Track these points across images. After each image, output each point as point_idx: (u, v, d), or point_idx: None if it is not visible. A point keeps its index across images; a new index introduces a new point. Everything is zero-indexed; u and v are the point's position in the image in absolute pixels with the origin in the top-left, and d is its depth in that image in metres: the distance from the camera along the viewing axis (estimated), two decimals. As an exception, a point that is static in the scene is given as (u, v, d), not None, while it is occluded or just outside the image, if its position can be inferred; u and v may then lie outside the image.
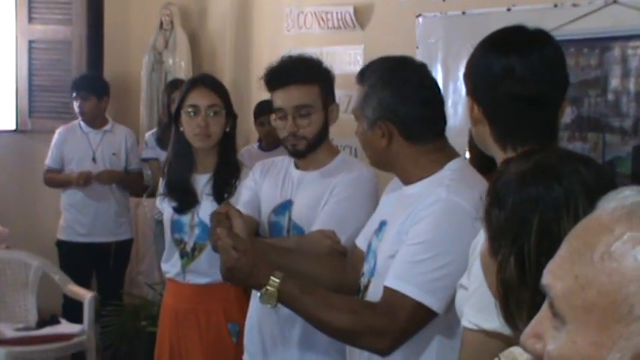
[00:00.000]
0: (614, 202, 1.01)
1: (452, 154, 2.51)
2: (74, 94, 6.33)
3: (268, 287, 2.37)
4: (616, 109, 4.23)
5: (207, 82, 3.65)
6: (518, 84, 2.03)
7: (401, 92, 2.45)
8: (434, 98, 2.52)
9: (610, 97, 4.26)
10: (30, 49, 7.27)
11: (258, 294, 2.42)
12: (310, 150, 3.08)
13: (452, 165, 2.45)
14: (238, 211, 2.74)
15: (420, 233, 2.32)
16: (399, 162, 2.49)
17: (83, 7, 7.15)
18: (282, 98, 3.07)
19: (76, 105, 6.34)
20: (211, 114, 3.53)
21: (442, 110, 2.54)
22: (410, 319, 2.30)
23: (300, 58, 3.12)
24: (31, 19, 7.25)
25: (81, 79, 6.54)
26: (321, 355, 3.00)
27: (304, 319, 2.45)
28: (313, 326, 2.47)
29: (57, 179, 6.35)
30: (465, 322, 1.88)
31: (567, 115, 4.31)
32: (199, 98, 3.54)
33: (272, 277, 2.37)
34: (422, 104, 2.47)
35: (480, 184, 2.43)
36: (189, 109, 3.53)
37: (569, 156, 1.61)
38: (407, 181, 2.51)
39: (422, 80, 2.53)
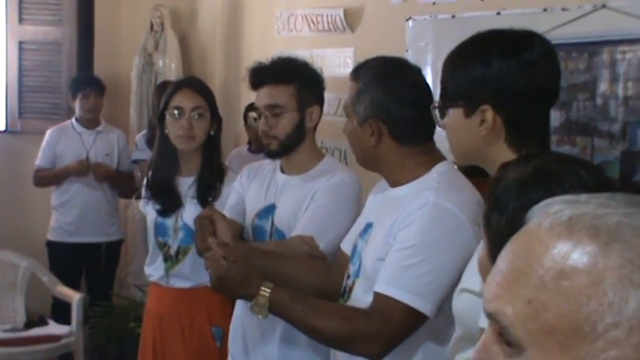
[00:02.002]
0: (549, 218, 0.98)
1: (439, 157, 2.51)
2: (77, 93, 6.32)
3: (259, 298, 2.38)
4: (604, 114, 4.24)
5: (192, 84, 3.64)
6: (542, 83, 2.04)
7: (395, 93, 2.47)
8: (426, 102, 2.52)
9: (599, 101, 4.26)
10: (20, 50, 7.26)
11: (249, 305, 2.42)
12: (284, 151, 3.08)
13: (438, 168, 2.46)
14: (222, 215, 2.75)
15: (409, 237, 2.32)
16: (386, 162, 2.49)
17: (74, 9, 7.15)
18: (258, 97, 3.10)
19: (78, 104, 6.34)
20: (195, 116, 3.52)
21: (432, 114, 2.54)
22: (402, 323, 2.31)
23: (280, 59, 3.13)
24: (21, 20, 7.24)
25: (84, 78, 6.58)
26: (301, 354, 3.01)
27: (296, 327, 2.45)
28: (306, 334, 2.48)
29: (49, 175, 6.31)
30: (482, 324, 1.86)
31: (556, 118, 4.31)
32: (184, 100, 3.53)
33: (262, 287, 2.39)
34: (414, 106, 2.48)
35: (466, 188, 2.44)
36: (174, 111, 3.53)
37: (568, 160, 1.61)
38: (393, 182, 2.52)
39: (416, 82, 2.54)
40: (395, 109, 2.45)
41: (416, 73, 2.57)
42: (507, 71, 2.01)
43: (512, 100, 2.02)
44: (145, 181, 3.78)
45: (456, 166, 2.54)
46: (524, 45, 2.05)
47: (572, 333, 0.91)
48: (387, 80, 2.48)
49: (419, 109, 2.48)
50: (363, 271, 2.49)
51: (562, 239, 0.94)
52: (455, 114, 2.09)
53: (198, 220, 2.75)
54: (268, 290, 2.38)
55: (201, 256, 2.75)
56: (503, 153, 2.00)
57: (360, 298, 2.46)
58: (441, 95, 2.13)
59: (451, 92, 2.09)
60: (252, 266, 2.50)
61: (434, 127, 2.53)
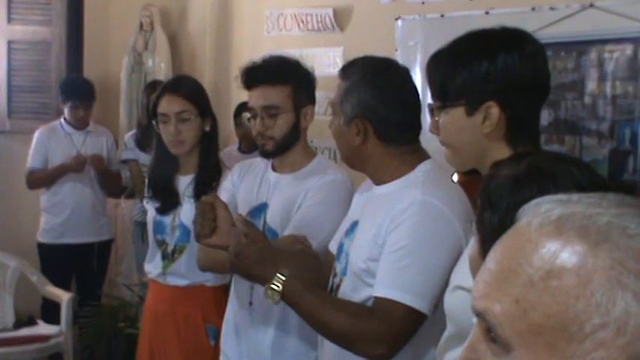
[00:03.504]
0: (540, 217, 0.97)
1: (423, 156, 2.52)
2: (67, 101, 6.28)
3: (274, 282, 2.38)
4: (593, 113, 4.25)
5: (175, 88, 3.60)
6: (542, 77, 2.06)
7: (382, 93, 2.46)
8: (413, 103, 2.53)
9: (587, 100, 4.28)
10: (9, 50, 7.23)
11: (263, 289, 2.42)
12: (279, 151, 3.08)
13: (423, 166, 2.47)
14: (224, 204, 2.75)
15: (400, 238, 2.33)
16: (371, 161, 2.50)
17: (63, 8, 7.13)
18: (253, 98, 3.08)
19: (67, 110, 6.29)
20: (182, 121, 3.51)
21: (419, 116, 2.55)
22: (404, 324, 2.31)
23: (274, 59, 3.12)
24: (10, 20, 7.22)
25: (72, 86, 6.43)
26: (293, 350, 3.01)
27: (305, 318, 2.44)
28: (313, 327, 2.46)
29: (44, 176, 6.24)
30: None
31: (545, 117, 4.33)
32: (167, 106, 3.53)
33: (278, 274, 2.38)
34: (402, 107, 2.48)
35: (451, 185, 2.46)
36: (160, 118, 3.53)
37: (561, 158, 1.61)
38: (378, 181, 2.53)
39: (404, 84, 2.54)
40: (382, 110, 2.46)
41: (404, 74, 2.57)
42: (513, 66, 2.01)
43: (517, 94, 2.02)
44: (147, 179, 3.78)
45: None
46: (524, 39, 2.06)
47: (560, 333, 0.90)
48: (375, 81, 2.48)
49: (406, 111, 2.49)
50: (350, 269, 2.49)
51: (551, 238, 0.94)
52: (455, 113, 2.07)
53: (199, 205, 2.74)
54: (283, 277, 2.38)
55: (198, 241, 2.75)
56: (502, 150, 2.00)
57: (349, 296, 2.47)
58: (438, 95, 2.11)
59: (452, 91, 2.06)
60: (270, 249, 2.50)
61: (420, 128, 2.54)
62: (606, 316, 0.89)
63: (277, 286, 2.37)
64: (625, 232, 0.92)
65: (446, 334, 2.08)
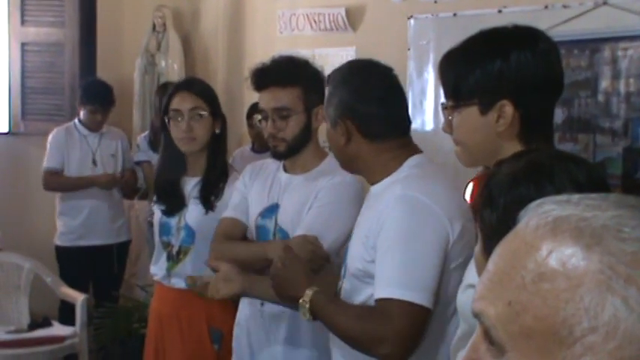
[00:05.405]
0: (536, 218, 0.96)
1: (412, 150, 2.54)
2: (86, 104, 6.26)
3: (304, 299, 2.44)
4: (606, 110, 4.25)
5: (189, 86, 3.63)
6: (556, 73, 2.06)
7: (358, 91, 2.51)
8: (392, 97, 2.55)
9: (600, 98, 4.28)
10: (23, 52, 7.25)
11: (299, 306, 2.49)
12: (291, 152, 3.08)
13: (411, 161, 2.49)
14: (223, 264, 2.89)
15: (387, 237, 2.35)
16: (361, 160, 2.54)
17: (76, 10, 7.14)
18: (263, 99, 3.09)
19: (84, 113, 6.28)
20: (194, 117, 3.51)
21: (403, 110, 2.58)
22: (404, 320, 2.30)
23: (284, 60, 3.12)
24: (23, 22, 7.24)
25: (94, 90, 6.38)
26: (305, 355, 3.02)
27: (329, 328, 2.48)
28: (336, 336, 2.49)
29: (69, 182, 6.23)
30: None
31: (558, 116, 4.32)
32: (181, 103, 3.52)
33: (307, 290, 2.44)
34: (380, 102, 2.51)
35: (440, 179, 2.48)
36: (173, 114, 3.53)
37: (560, 155, 1.61)
38: (371, 180, 2.56)
39: (382, 80, 2.57)
40: (360, 107, 2.49)
41: (384, 72, 2.60)
42: (526, 64, 2.01)
43: (531, 92, 2.01)
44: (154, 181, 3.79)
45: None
46: (537, 37, 2.06)
47: (550, 337, 0.90)
48: (352, 80, 2.53)
49: (384, 105, 2.51)
50: (347, 270, 2.53)
51: (546, 240, 0.93)
52: (468, 112, 2.07)
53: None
54: (310, 292, 2.43)
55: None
56: (516, 149, 1.98)
57: (349, 296, 2.51)
58: (452, 95, 2.11)
59: (465, 90, 2.06)
60: (305, 272, 2.56)
61: (408, 122, 2.57)
62: (595, 321, 0.88)
63: (305, 303, 2.43)
64: (619, 235, 0.90)
65: (459, 332, 2.09)
